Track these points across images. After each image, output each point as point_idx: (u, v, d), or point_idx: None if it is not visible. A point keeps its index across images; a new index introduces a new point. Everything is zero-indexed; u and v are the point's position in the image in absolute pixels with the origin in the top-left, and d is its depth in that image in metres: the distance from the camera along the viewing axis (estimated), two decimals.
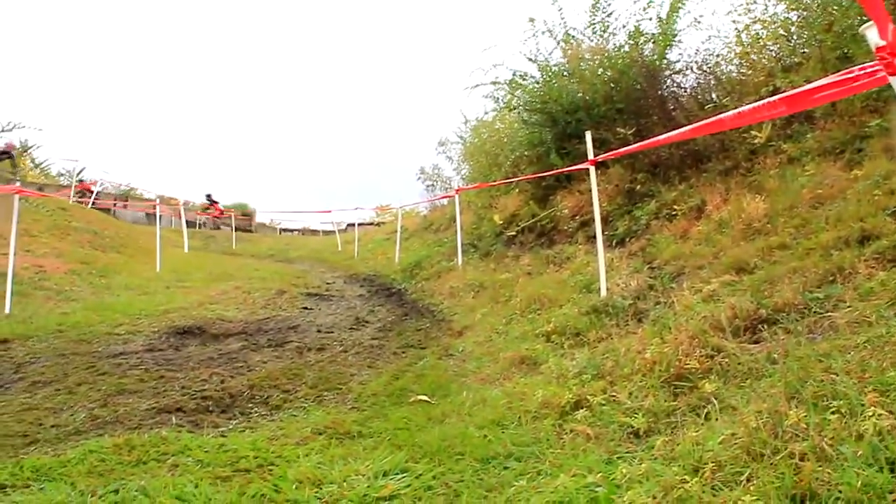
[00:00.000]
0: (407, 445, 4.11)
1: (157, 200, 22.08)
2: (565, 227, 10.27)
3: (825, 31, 7.48)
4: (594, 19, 10.88)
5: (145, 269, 15.55)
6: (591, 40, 10.98)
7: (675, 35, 10.26)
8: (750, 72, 8.93)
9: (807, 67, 7.70)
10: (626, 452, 3.56)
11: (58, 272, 12.52)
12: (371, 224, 32.94)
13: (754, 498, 2.60)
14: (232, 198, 42.79)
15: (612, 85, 10.27)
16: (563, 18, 11.07)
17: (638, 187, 9.10)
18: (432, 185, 24.02)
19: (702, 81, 9.78)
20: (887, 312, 3.82)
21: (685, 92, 9.89)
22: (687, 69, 10.24)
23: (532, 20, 11.12)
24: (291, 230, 41.13)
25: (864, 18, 6.57)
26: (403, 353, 7.18)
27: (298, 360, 6.77)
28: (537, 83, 11.26)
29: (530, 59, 11.28)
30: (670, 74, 10.24)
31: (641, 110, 9.70)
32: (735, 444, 3.06)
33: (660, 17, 10.28)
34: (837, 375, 3.27)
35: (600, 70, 10.52)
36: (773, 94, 5.75)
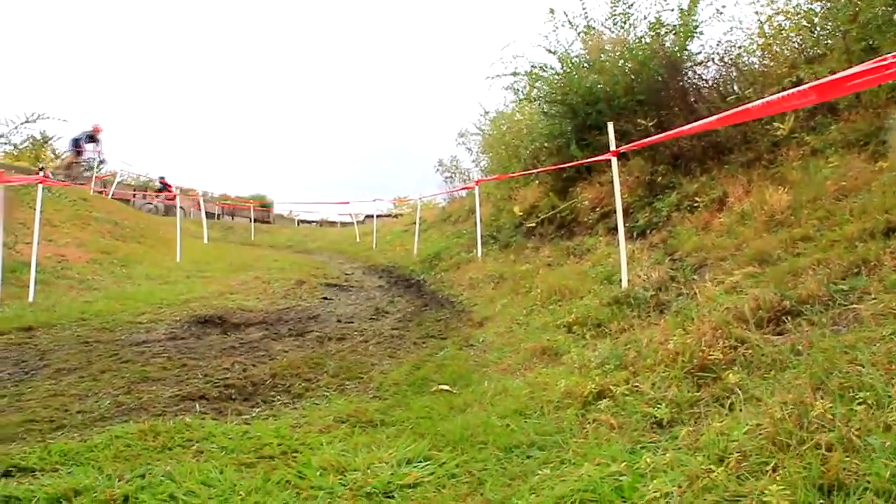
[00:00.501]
0: (429, 434, 4.12)
1: (178, 191, 22.20)
2: (585, 219, 10.25)
3: (850, 21, 7.39)
4: (615, 10, 10.82)
5: (165, 259, 15.64)
6: (612, 31, 10.93)
7: (697, 26, 10.20)
8: (772, 63, 8.86)
9: (831, 59, 7.63)
10: (650, 442, 3.56)
11: (79, 261, 12.62)
12: (388, 216, 32.94)
13: (781, 487, 2.59)
14: (250, 189, 42.89)
15: (632, 76, 10.21)
16: (584, 9, 11.04)
17: (659, 179, 9.05)
18: (451, 176, 24.00)
19: (723, 73, 9.71)
20: None
21: (706, 84, 9.82)
22: (708, 61, 10.18)
23: (552, 11, 11.08)
24: (309, 221, 41.12)
25: (892, 7, 6.50)
26: (424, 343, 7.20)
27: (319, 349, 6.79)
28: (557, 74, 11.21)
29: (550, 52, 11.24)
30: (692, 66, 10.17)
31: (662, 102, 9.64)
32: (760, 434, 3.05)
33: (681, 9, 10.21)
34: (864, 367, 3.25)
35: (621, 61, 10.47)
36: (795, 85, 5.69)
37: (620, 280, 6.98)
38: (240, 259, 16.91)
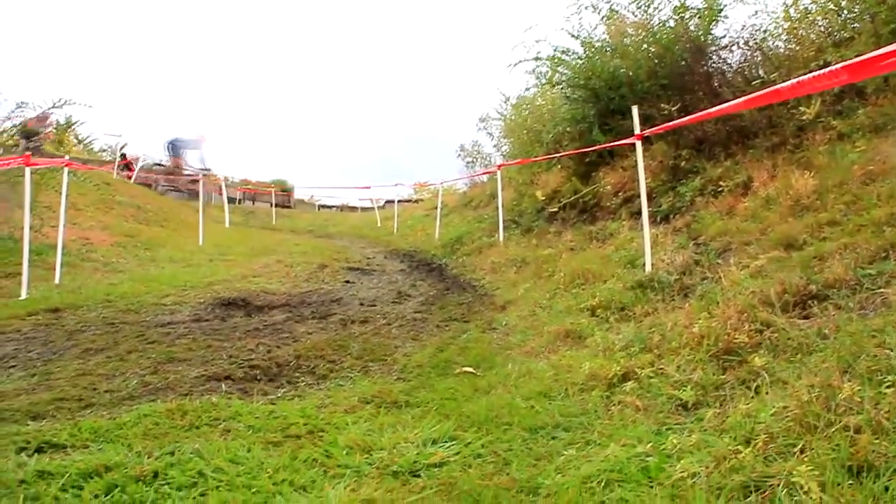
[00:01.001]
0: (454, 415, 4.15)
1: (201, 175, 22.33)
2: (608, 204, 10.21)
3: (879, 3, 7.29)
4: None
5: (188, 242, 15.78)
6: (636, 15, 10.84)
7: (721, 10, 10.07)
8: (798, 47, 8.74)
9: (858, 42, 7.52)
10: (676, 424, 3.57)
11: (104, 244, 12.77)
12: (409, 201, 32.91)
13: (810, 468, 2.60)
14: (271, 174, 43.00)
15: (656, 60, 10.14)
16: None
17: (682, 164, 8.99)
18: (472, 161, 23.99)
19: (748, 57, 9.61)
20: None
21: (731, 68, 9.74)
22: (733, 45, 10.07)
23: None
24: (330, 206, 41.21)
25: None
26: (447, 326, 7.22)
27: (343, 331, 6.83)
28: (580, 59, 11.14)
29: (573, 36, 11.17)
30: (716, 50, 10.07)
31: (686, 86, 9.57)
32: (787, 416, 3.06)
33: None
34: (892, 350, 3.24)
35: (644, 45, 10.39)
36: (822, 69, 5.62)
37: (644, 264, 6.97)
38: (261, 243, 17.00)
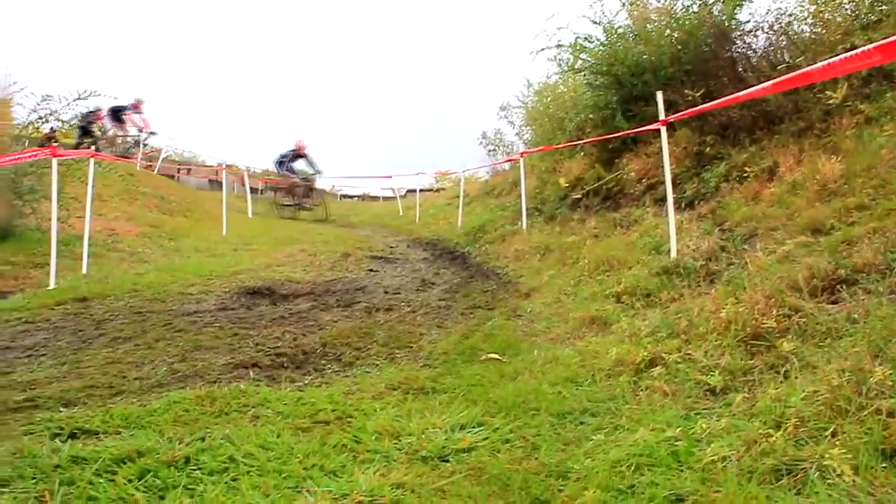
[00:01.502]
0: (481, 401, 4.16)
1: (223, 166, 22.42)
2: (632, 191, 10.15)
3: None
4: None
5: (212, 232, 15.86)
6: (659, 1, 10.77)
7: None
8: (824, 31, 8.64)
9: (886, 24, 7.44)
10: (704, 409, 3.57)
11: (129, 235, 12.88)
12: (430, 190, 32.83)
13: (842, 451, 2.59)
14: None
15: (679, 46, 10.06)
16: None
17: (707, 150, 8.92)
18: (494, 149, 23.87)
19: (773, 42, 9.51)
20: None
21: (756, 53, 9.64)
22: (757, 29, 9.96)
23: None
24: (352, 196, 41.23)
25: None
26: (471, 313, 7.22)
27: (368, 319, 6.86)
28: (602, 45, 11.07)
29: (595, 22, 11.09)
30: (740, 35, 9.98)
31: (710, 72, 9.49)
32: (817, 400, 3.05)
33: None
34: None
35: (667, 31, 10.31)
36: (849, 52, 5.53)
37: (669, 250, 6.94)
38: (284, 233, 17.05)
